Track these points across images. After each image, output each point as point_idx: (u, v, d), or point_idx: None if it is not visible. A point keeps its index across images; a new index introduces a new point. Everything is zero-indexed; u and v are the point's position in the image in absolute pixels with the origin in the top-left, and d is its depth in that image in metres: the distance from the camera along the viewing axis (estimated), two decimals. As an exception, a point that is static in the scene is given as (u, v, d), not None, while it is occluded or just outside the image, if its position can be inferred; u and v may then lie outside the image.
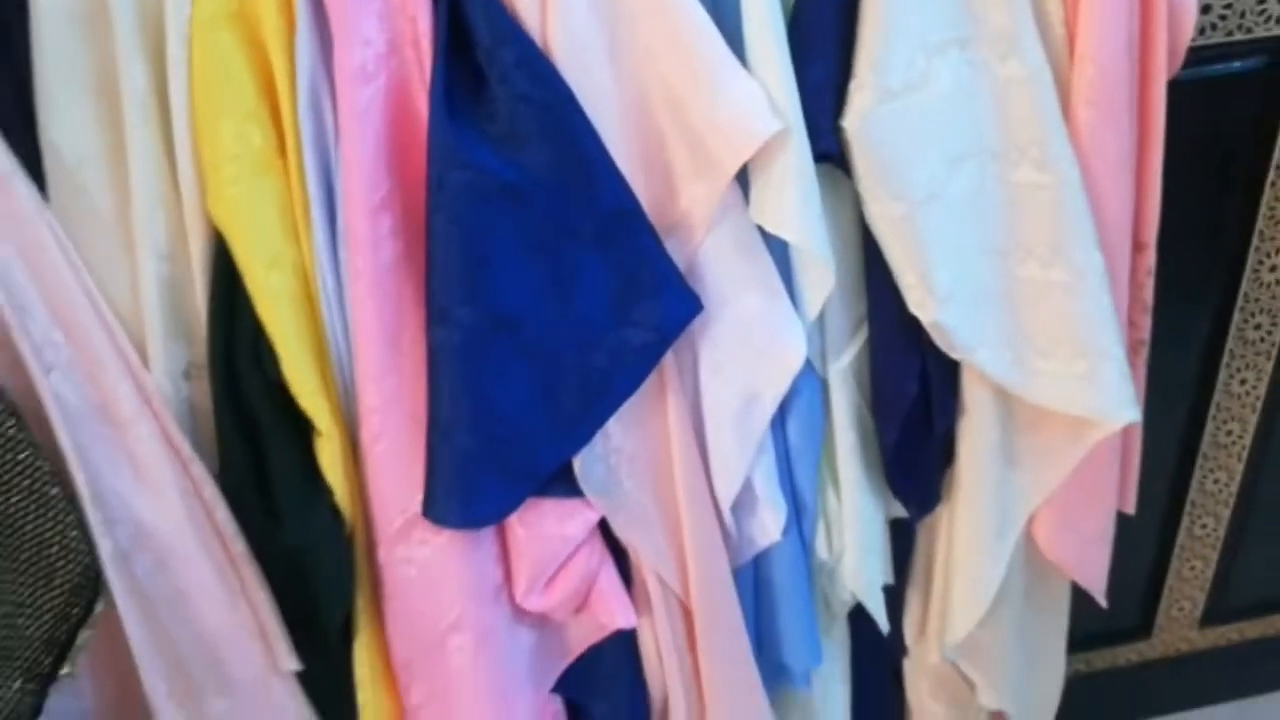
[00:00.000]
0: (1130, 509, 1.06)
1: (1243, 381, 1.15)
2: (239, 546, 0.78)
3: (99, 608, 0.77)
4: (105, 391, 0.72)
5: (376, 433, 0.73)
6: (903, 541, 1.03)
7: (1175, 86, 0.84)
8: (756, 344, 0.79)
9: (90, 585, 0.75)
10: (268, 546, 0.78)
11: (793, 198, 0.71)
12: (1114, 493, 1.01)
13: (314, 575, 0.78)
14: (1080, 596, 1.10)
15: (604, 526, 0.84)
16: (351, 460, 0.76)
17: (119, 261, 0.71)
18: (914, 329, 0.82)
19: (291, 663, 0.82)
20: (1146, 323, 0.93)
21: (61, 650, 0.77)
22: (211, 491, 0.76)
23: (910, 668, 1.15)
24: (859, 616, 1.04)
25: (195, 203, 0.70)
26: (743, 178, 0.76)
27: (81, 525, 0.73)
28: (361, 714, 0.85)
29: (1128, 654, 1.42)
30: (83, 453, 0.72)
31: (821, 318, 0.85)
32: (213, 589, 0.78)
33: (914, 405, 0.86)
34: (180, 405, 0.76)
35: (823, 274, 0.77)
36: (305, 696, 0.86)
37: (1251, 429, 1.20)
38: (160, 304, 0.72)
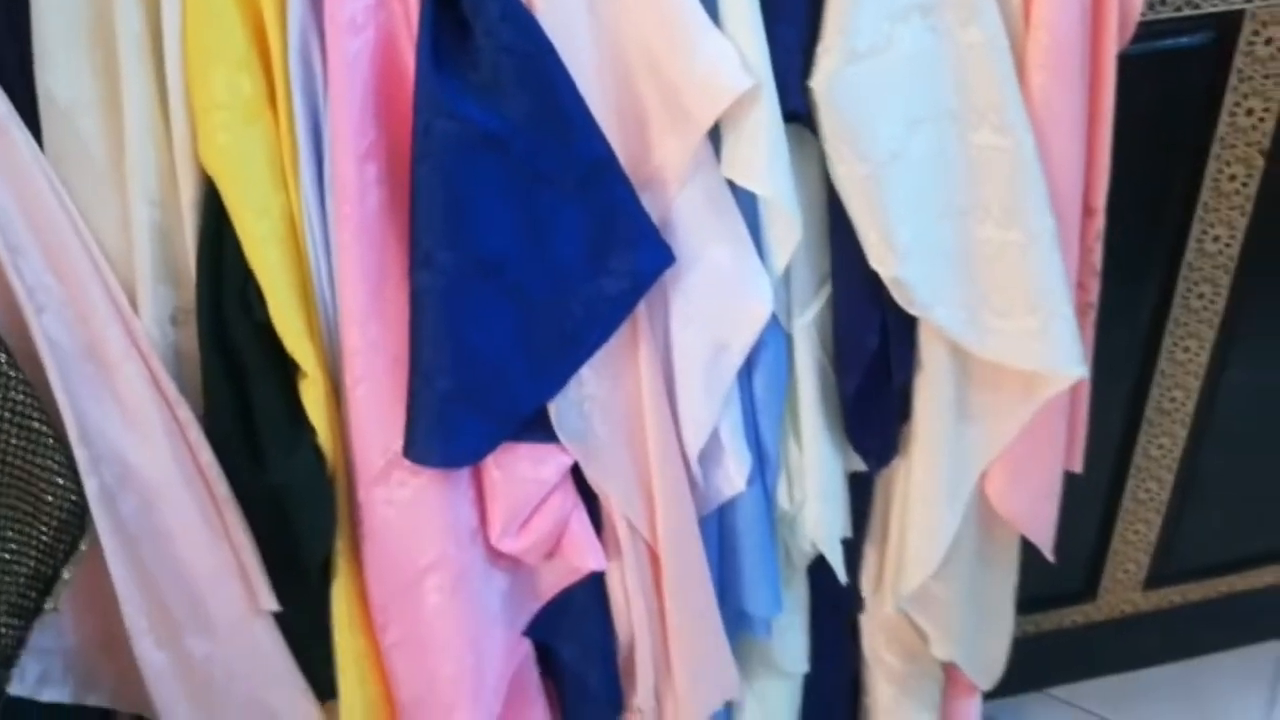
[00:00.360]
0: (1078, 468, 1.11)
1: (1186, 349, 1.21)
2: (223, 488, 0.80)
3: (84, 545, 0.79)
4: (95, 333, 0.74)
5: (359, 375, 0.75)
6: (861, 496, 1.08)
7: (1126, 60, 0.89)
8: (726, 296, 0.82)
9: (76, 522, 0.77)
10: (251, 488, 0.80)
11: (762, 152, 0.75)
12: (1062, 451, 1.06)
13: (296, 516, 0.80)
14: (1029, 559, 1.15)
15: (576, 472, 0.87)
16: (334, 403, 0.78)
17: (111, 206, 0.73)
18: (875, 285, 0.86)
19: (271, 603, 0.84)
20: (1095, 286, 0.98)
21: (46, 585, 0.79)
22: (197, 434, 0.78)
23: (866, 621, 1.20)
24: (818, 570, 1.09)
25: (186, 149, 0.72)
26: (714, 137, 0.80)
27: (69, 463, 0.75)
28: (338, 655, 0.88)
29: (1074, 615, 1.47)
30: (72, 392, 0.74)
31: (787, 274, 0.88)
32: (196, 529, 0.80)
33: (873, 359, 0.90)
34: (167, 349, 0.78)
35: (789, 228, 0.81)
36: (283, 638, 0.88)
37: (1194, 396, 1.25)
38: (150, 249, 0.74)
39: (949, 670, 1.24)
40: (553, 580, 0.93)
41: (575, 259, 0.76)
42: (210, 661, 0.86)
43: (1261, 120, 1.03)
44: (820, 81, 0.77)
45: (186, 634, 0.85)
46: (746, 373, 0.91)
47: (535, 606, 0.94)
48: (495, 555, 0.87)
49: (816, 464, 0.97)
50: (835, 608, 1.17)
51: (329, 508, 0.80)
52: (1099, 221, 0.95)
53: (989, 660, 1.23)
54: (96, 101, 0.71)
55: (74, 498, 0.76)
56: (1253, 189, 1.08)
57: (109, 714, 0.96)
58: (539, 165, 0.72)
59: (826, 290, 0.91)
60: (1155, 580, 1.45)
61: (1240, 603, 1.51)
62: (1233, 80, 1.01)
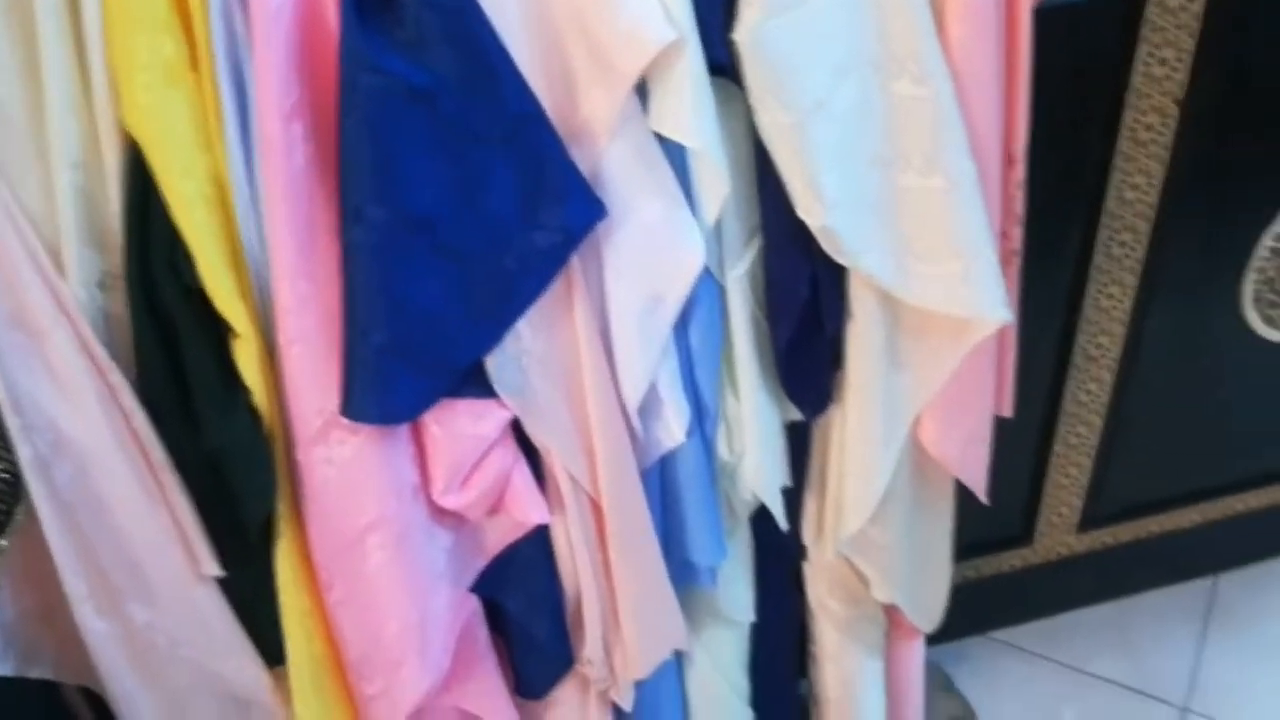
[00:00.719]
0: (1008, 412, 1.15)
1: (1110, 296, 1.25)
2: (158, 453, 0.80)
3: (19, 515, 0.78)
4: (21, 300, 0.74)
5: (292, 335, 0.76)
6: (800, 446, 1.10)
7: (1042, 12, 0.91)
8: (658, 249, 0.84)
9: (10, 491, 0.77)
10: (188, 452, 0.80)
11: (688, 105, 0.76)
12: (991, 396, 1.09)
13: (234, 478, 0.81)
14: (968, 506, 1.19)
15: (517, 428, 0.88)
16: (269, 363, 0.79)
17: (33, 171, 0.72)
18: (804, 236, 0.88)
19: (213, 568, 0.85)
20: (1018, 234, 1.01)
21: (-16, 555, 0.78)
22: (130, 399, 0.78)
23: (809, 569, 1.23)
24: (760, 521, 1.11)
25: (109, 111, 0.71)
26: (643, 93, 0.81)
27: (0, 432, 0.74)
28: (283, 615, 0.88)
29: (1012, 560, 1.52)
30: (0, 361, 0.73)
31: (719, 227, 0.90)
32: (133, 496, 0.80)
33: (805, 308, 0.92)
34: (96, 314, 0.77)
35: (718, 180, 0.82)
36: (228, 602, 0.89)
37: (1120, 342, 1.30)
38: (75, 213, 0.73)
39: (891, 614, 1.28)
40: (497, 536, 0.94)
41: (506, 213, 0.76)
42: (153, 628, 0.87)
43: (1174, 70, 1.07)
44: (743, 33, 0.78)
45: (128, 601, 0.85)
46: (682, 325, 0.92)
47: (481, 563, 0.95)
48: (438, 512, 0.88)
49: (754, 414, 0.99)
50: (779, 557, 1.20)
51: (267, 469, 0.80)
52: (1020, 170, 0.97)
53: (929, 602, 1.27)
54: (14, 63, 0.70)
55: (6, 465, 0.75)
56: (1168, 138, 1.11)
57: (53, 687, 0.96)
58: (467, 120, 0.73)
59: (758, 242, 0.92)
60: (1088, 523, 1.51)
61: (1169, 543, 1.57)
62: (1145, 31, 1.04)
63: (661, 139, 0.82)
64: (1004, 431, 1.20)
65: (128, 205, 0.74)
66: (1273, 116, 1.15)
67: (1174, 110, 1.09)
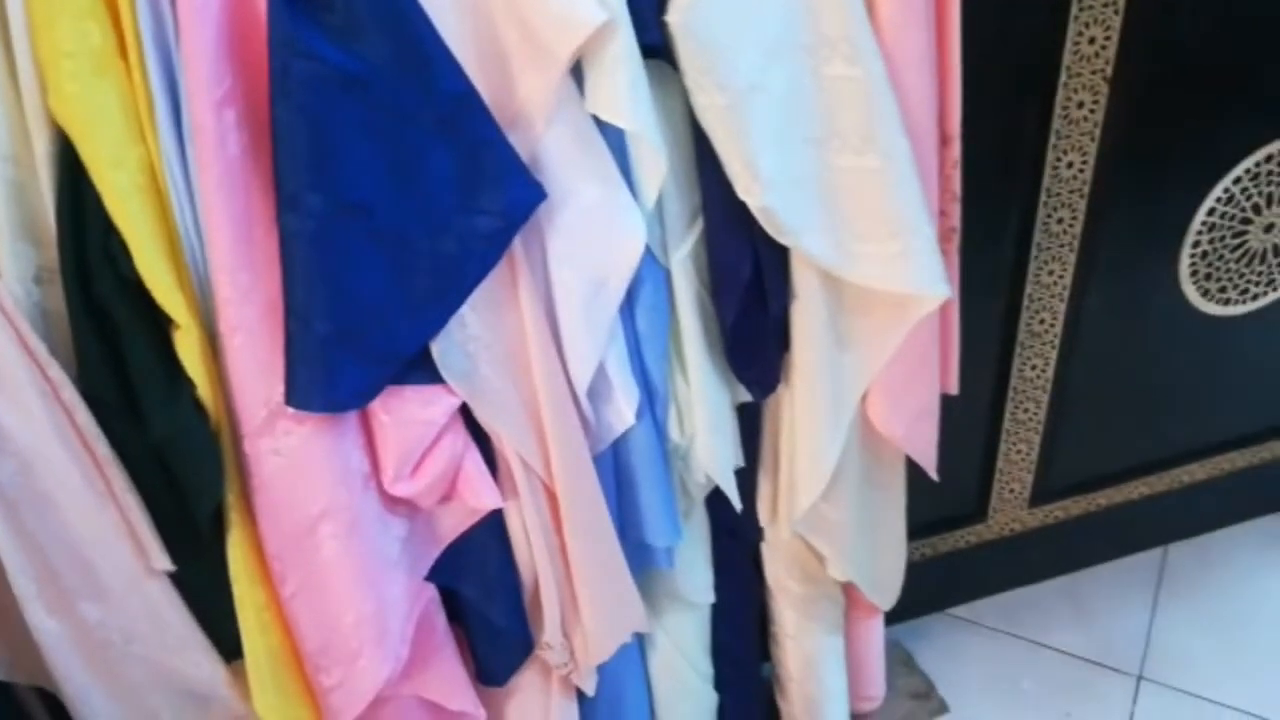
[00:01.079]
0: (953, 389, 1.17)
1: (1050, 273, 1.27)
2: (103, 448, 0.79)
3: (-38, 515, 0.77)
4: (-46, 297, 0.73)
5: (234, 324, 0.76)
6: (752, 427, 1.11)
7: (973, -7, 0.93)
8: (600, 232, 0.85)
9: (-49, 491, 0.76)
10: (133, 447, 0.80)
11: (623, 86, 0.77)
12: (937, 372, 1.11)
13: (181, 471, 0.80)
14: (922, 485, 1.20)
15: (467, 413, 0.89)
16: (212, 354, 0.78)
17: (-40, 165, 0.72)
18: (745, 217, 0.89)
19: (164, 563, 0.84)
20: (956, 211, 1.03)
21: (-74, 557, 0.77)
22: (71, 394, 0.77)
23: (767, 550, 1.24)
24: (717, 503, 1.12)
25: (36, 102, 0.71)
26: (580, 78, 0.81)
27: (-62, 430, 0.74)
28: (238, 609, 0.88)
29: (967, 537, 1.55)
30: (-65, 358, 0.73)
31: (661, 210, 0.91)
32: (79, 492, 0.80)
33: (749, 289, 0.94)
34: (32, 310, 0.77)
35: (656, 162, 0.83)
36: (181, 597, 0.88)
37: (1061, 318, 1.32)
38: (6, 207, 0.73)
39: (850, 592, 1.30)
40: (452, 523, 0.94)
41: (445, 198, 0.77)
42: (106, 626, 0.86)
43: (1104, 48, 1.09)
44: (676, 15, 0.79)
45: (79, 599, 0.84)
46: (628, 308, 0.93)
47: (436, 551, 0.95)
48: (390, 501, 0.89)
49: (703, 396, 1.01)
50: (736, 538, 1.21)
51: (215, 461, 0.80)
52: (955, 149, 0.99)
53: (885, 579, 1.29)
54: (-62, 56, 0.70)
55: (-54, 466, 0.75)
56: (1100, 115, 1.14)
57: (6, 688, 0.95)
58: (401, 105, 0.73)
59: (700, 224, 0.94)
60: (1039, 498, 1.54)
61: (1119, 515, 1.60)
62: (1074, 10, 1.06)
63: (601, 123, 0.83)
64: (954, 410, 1.23)
65: (60, 197, 0.73)
66: (1201, 93, 1.18)
67: (1104, 88, 1.12)
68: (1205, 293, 1.37)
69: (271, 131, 0.71)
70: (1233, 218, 1.30)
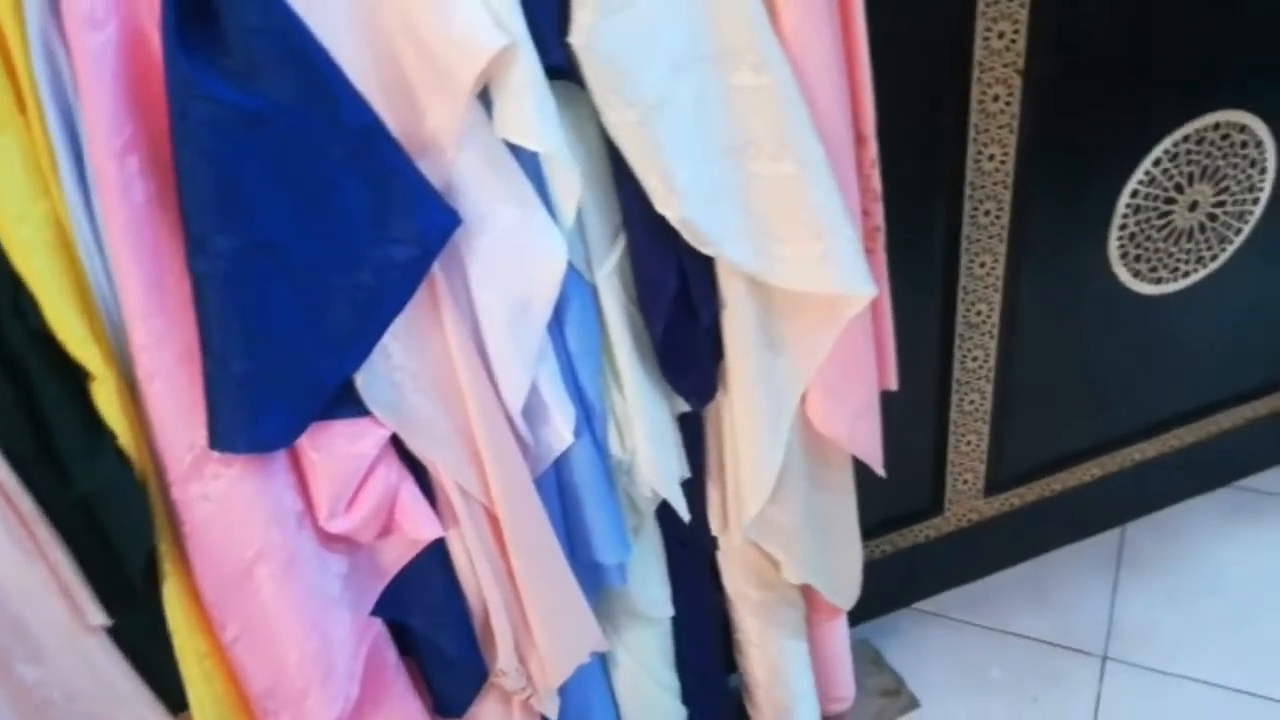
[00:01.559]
0: (892, 385, 1.18)
1: (982, 264, 1.29)
2: (27, 504, 0.78)
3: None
4: None
5: (151, 371, 0.75)
6: (695, 437, 1.12)
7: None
8: (519, 254, 0.85)
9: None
10: (58, 500, 0.79)
11: (529, 108, 0.77)
12: (873, 370, 1.12)
13: (109, 522, 0.79)
14: (877, 482, 1.21)
15: (401, 444, 0.88)
16: (132, 402, 0.78)
17: None
18: (666, 229, 0.90)
19: (99, 618, 0.83)
20: (879, 210, 1.04)
21: None
22: (-10, 452, 0.76)
23: (722, 559, 1.25)
24: (668, 516, 1.12)
25: (-65, 161, 0.70)
26: (490, 103, 0.82)
27: None
28: (180, 658, 0.87)
29: (926, 530, 1.56)
30: None
31: (582, 228, 0.91)
32: (5, 550, 0.79)
33: (676, 300, 0.94)
34: (-55, 369, 0.75)
35: (570, 181, 0.83)
36: (121, 651, 0.87)
37: (997, 308, 1.34)
38: (-90, 267, 0.72)
39: (809, 595, 1.30)
40: (394, 556, 0.94)
41: (358, 229, 0.77)
42: (45, 685, 0.85)
43: (1013, 41, 1.11)
44: (578, 36, 0.80)
45: (15, 661, 0.83)
46: (557, 327, 0.93)
47: (379, 585, 0.94)
48: (328, 538, 0.88)
49: (641, 409, 1.01)
50: (690, 549, 1.21)
51: (142, 511, 0.79)
52: (872, 148, 1.00)
53: (843, 579, 1.29)
54: None
55: None
56: (1016, 107, 1.16)
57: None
58: (306, 141, 0.73)
59: (623, 239, 0.94)
60: (993, 487, 1.55)
61: (1074, 498, 1.62)
62: (980, 6, 1.08)
63: (516, 145, 0.83)
64: (900, 405, 1.24)
65: (-35, 255, 0.72)
66: (1114, 80, 1.21)
67: (1017, 81, 1.14)
68: (1137, 274, 1.39)
69: (175, 176, 0.70)
70: (1156, 198, 1.33)
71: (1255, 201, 1.39)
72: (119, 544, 0.80)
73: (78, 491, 0.78)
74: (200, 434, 0.78)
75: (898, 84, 1.04)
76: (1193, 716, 1.42)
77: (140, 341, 0.74)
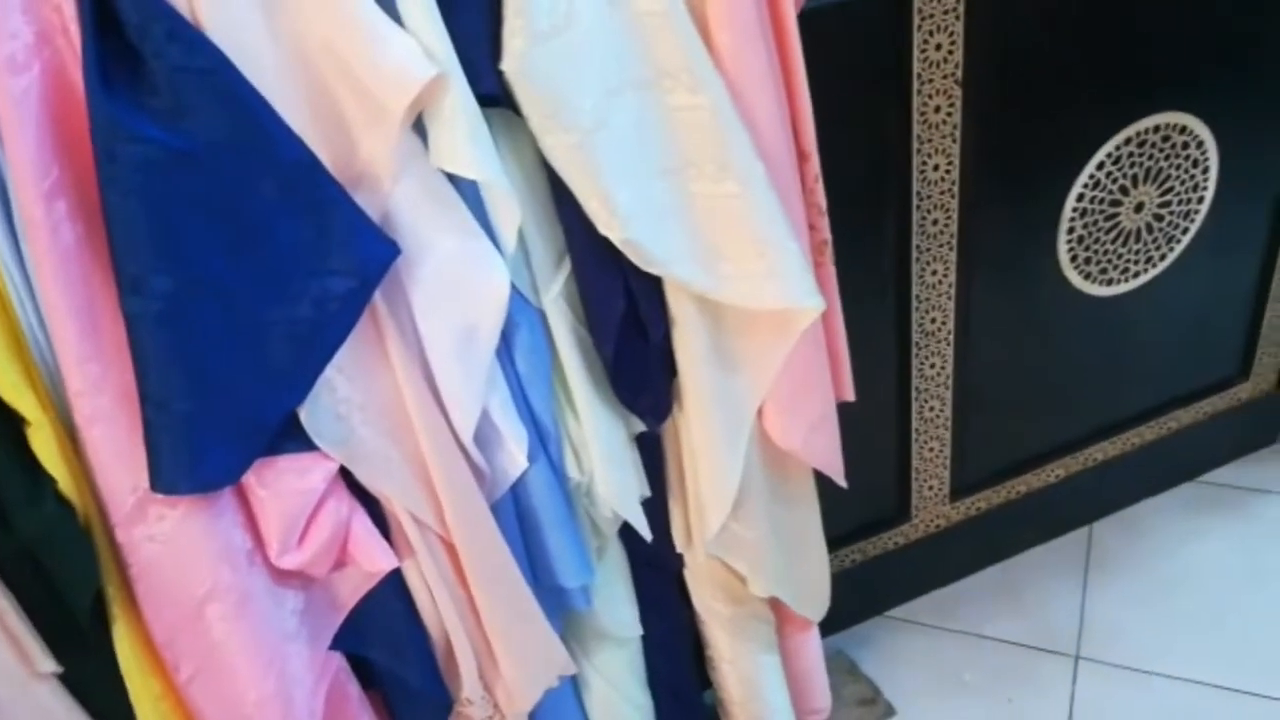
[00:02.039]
0: (849, 396, 1.19)
1: (934, 273, 1.30)
2: (-31, 554, 0.77)
3: None
4: None
5: (89, 415, 0.74)
6: (654, 455, 1.12)
7: (813, 14, 0.96)
8: (461, 282, 0.85)
9: None
10: (1, 548, 0.78)
11: (462, 136, 0.78)
12: (828, 382, 1.13)
13: (54, 567, 0.78)
14: (842, 492, 1.21)
15: (352, 476, 0.88)
16: (70, 447, 0.77)
17: None
18: (611, 250, 0.90)
19: (49, 665, 0.82)
20: (824, 224, 1.05)
21: None
22: (-70, 503, 0.75)
23: (689, 576, 1.24)
24: (632, 536, 1.12)
25: None
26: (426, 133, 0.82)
27: None
28: (134, 702, 0.86)
29: (894, 538, 1.57)
30: None
31: (526, 253, 0.92)
32: (-51, 602, 0.78)
33: (624, 320, 0.94)
34: (-119, 422, 0.75)
35: (509, 207, 0.84)
36: (74, 699, 0.86)
37: (952, 315, 1.35)
38: None
39: (778, 609, 1.30)
40: (349, 589, 0.93)
41: (295, 264, 0.77)
42: (-4, 737, 0.83)
43: (950, 53, 1.13)
44: (511, 64, 0.80)
45: (-36, 713, 0.82)
46: (506, 353, 0.93)
47: (337, 619, 0.94)
48: (280, 575, 0.87)
49: (595, 431, 1.01)
50: (656, 568, 1.21)
51: (87, 555, 0.78)
52: (815, 163, 1.01)
53: (811, 591, 1.30)
54: None
55: None
56: (958, 117, 1.17)
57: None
58: (237, 177, 0.73)
59: (568, 262, 0.94)
60: (959, 492, 1.56)
61: (1039, 500, 1.63)
62: (915, 20, 1.09)
63: (455, 175, 0.83)
64: (861, 416, 1.24)
65: (-104, 305, 0.72)
66: (1052, 86, 1.22)
67: (957, 91, 1.15)
68: (1087, 276, 1.41)
69: (104, 218, 0.70)
70: (1102, 201, 1.35)
71: (1200, 200, 1.41)
72: (64, 589, 0.79)
73: (20, 538, 0.77)
74: (142, 477, 0.77)
75: (838, 99, 1.06)
76: (1166, 712, 1.43)
77: (77, 387, 0.73)
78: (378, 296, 0.82)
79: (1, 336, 0.72)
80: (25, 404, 0.73)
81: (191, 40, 0.70)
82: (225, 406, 0.76)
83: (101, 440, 0.75)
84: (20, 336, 0.73)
